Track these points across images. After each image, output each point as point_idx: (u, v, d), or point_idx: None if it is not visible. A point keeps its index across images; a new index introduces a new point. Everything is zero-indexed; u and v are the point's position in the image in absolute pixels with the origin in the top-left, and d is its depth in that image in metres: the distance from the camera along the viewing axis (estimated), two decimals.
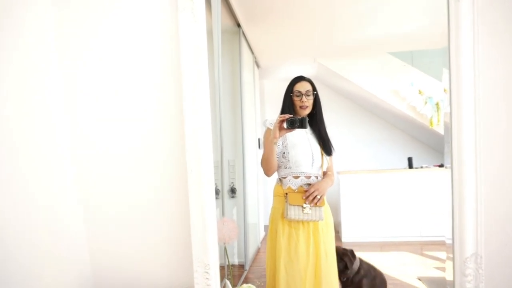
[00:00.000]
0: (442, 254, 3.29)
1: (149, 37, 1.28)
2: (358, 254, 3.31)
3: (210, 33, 1.87)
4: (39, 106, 1.22)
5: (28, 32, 1.18)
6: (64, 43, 1.31)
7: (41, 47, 1.25)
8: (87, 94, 1.32)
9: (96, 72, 1.32)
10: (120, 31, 1.30)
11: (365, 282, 2.03)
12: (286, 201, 1.59)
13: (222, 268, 1.71)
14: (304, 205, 1.57)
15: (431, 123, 4.01)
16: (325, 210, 1.63)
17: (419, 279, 2.68)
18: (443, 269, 2.87)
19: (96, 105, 1.33)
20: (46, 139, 1.24)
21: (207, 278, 1.09)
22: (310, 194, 1.56)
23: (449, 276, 1.18)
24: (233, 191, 3.02)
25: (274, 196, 1.70)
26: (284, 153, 1.65)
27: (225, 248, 1.53)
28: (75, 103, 1.33)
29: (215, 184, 2.13)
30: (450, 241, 1.15)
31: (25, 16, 1.17)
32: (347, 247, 2.14)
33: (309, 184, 1.63)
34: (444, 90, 1.19)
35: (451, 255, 1.14)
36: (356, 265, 2.01)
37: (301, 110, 1.65)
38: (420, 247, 3.61)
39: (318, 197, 1.57)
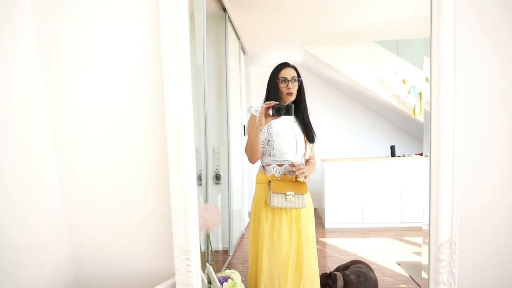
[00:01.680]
0: (421, 240, 3.40)
1: (128, 20, 1.24)
2: (341, 240, 3.39)
3: (193, 17, 1.83)
4: (16, 86, 1.18)
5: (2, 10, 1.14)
6: (41, 18, 1.26)
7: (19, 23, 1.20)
8: (66, 74, 1.29)
9: (74, 54, 1.28)
10: (97, 13, 1.26)
11: None
12: (269, 189, 1.60)
13: (205, 253, 1.73)
14: (287, 193, 1.58)
15: (414, 112, 4.08)
16: (306, 196, 1.65)
17: (398, 264, 2.76)
18: (421, 254, 2.96)
19: (74, 89, 1.29)
20: (24, 132, 1.20)
21: (187, 265, 1.10)
22: (299, 168, 1.58)
23: (424, 261, 1.22)
24: (217, 177, 3.02)
25: (257, 183, 1.71)
26: (269, 140, 1.65)
27: (208, 235, 1.54)
28: (54, 88, 1.29)
29: (199, 170, 2.13)
30: (426, 227, 1.18)
31: None
32: (330, 270, 2.15)
33: (293, 172, 1.64)
34: (426, 79, 1.20)
35: (427, 241, 1.18)
36: (340, 284, 2.03)
37: (287, 97, 1.64)
38: (400, 233, 3.72)
39: (305, 174, 1.58)
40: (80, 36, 1.27)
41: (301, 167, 1.59)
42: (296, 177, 1.62)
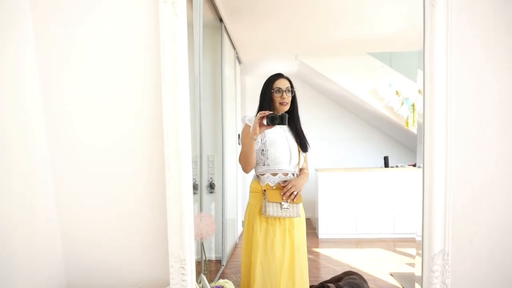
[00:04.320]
0: (414, 251, 3.41)
1: (128, 29, 1.25)
2: (334, 250, 3.38)
3: (191, 26, 1.85)
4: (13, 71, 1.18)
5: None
6: (42, 29, 1.27)
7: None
8: (64, 84, 1.29)
9: (73, 65, 1.29)
10: (98, 22, 1.27)
11: None
12: (264, 198, 1.60)
13: (198, 263, 1.72)
14: (283, 202, 1.59)
15: (407, 124, 4.12)
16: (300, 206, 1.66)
17: (391, 275, 2.76)
18: (413, 265, 2.97)
19: (74, 99, 1.30)
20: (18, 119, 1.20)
21: (182, 274, 1.09)
22: (287, 190, 1.58)
23: (418, 272, 1.23)
24: (211, 186, 3.01)
25: (250, 192, 1.71)
26: (262, 150, 1.66)
27: (202, 244, 1.53)
28: (55, 100, 1.30)
29: (194, 179, 2.12)
30: (420, 238, 1.19)
31: None
32: (324, 280, 2.14)
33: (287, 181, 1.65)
34: (419, 91, 1.23)
35: (420, 252, 1.19)
36: None
37: (281, 107, 1.66)
38: (393, 244, 3.72)
39: (295, 193, 1.59)
40: (79, 43, 1.28)
41: (288, 188, 1.59)
42: None
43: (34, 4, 1.26)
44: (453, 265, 1.14)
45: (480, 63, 1.18)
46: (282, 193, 1.59)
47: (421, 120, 1.17)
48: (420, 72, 1.18)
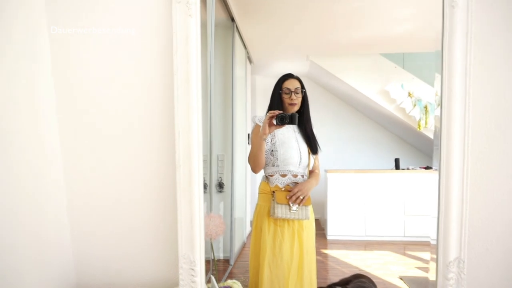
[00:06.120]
0: (424, 255, 3.37)
1: (141, 29, 1.25)
2: (343, 252, 3.36)
3: (203, 26, 1.85)
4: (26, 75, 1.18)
5: None
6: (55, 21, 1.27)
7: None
8: (78, 90, 1.30)
9: (84, 65, 1.29)
10: (111, 20, 1.27)
11: None
12: (273, 200, 1.59)
13: (207, 262, 1.71)
14: (291, 204, 1.58)
15: (419, 126, 4.06)
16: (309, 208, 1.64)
17: (401, 278, 2.72)
18: (424, 269, 2.93)
19: (85, 99, 1.30)
20: (32, 124, 1.21)
21: (192, 275, 1.09)
22: (293, 194, 1.57)
23: (432, 276, 1.20)
24: (221, 185, 3.01)
25: (259, 193, 1.70)
26: (272, 150, 1.65)
27: (211, 244, 1.53)
28: (64, 99, 1.30)
29: (203, 178, 2.12)
30: (434, 242, 1.17)
31: None
32: (332, 282, 2.12)
33: (296, 183, 1.63)
34: (436, 94, 1.20)
35: (434, 256, 1.16)
36: None
37: (290, 107, 1.65)
38: (403, 247, 3.67)
39: (301, 197, 1.58)
40: (91, 42, 1.28)
41: (295, 192, 1.57)
42: None
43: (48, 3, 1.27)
44: (469, 273, 1.11)
45: (501, 66, 1.15)
46: (288, 197, 1.57)
47: (438, 124, 1.14)
48: (437, 76, 1.16)
